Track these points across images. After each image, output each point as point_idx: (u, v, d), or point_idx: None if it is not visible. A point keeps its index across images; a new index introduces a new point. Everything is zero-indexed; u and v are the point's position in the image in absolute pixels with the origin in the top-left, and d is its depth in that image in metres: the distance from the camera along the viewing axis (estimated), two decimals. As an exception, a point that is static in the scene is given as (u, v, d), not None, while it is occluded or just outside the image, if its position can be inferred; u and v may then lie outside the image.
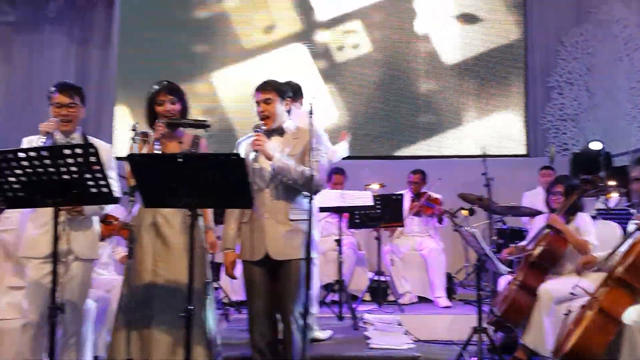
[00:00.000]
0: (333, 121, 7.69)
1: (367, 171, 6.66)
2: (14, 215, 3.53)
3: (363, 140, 7.65)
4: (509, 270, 4.15)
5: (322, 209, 4.77)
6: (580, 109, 7.76)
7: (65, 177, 2.45)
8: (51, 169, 2.43)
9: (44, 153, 2.41)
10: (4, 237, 3.61)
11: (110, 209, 3.27)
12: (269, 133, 3.15)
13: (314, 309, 3.93)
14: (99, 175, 2.47)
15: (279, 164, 3.02)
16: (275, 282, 3.10)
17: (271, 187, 3.08)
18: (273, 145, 3.10)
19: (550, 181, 4.75)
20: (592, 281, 3.42)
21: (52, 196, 2.50)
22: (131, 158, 2.60)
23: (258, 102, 3.16)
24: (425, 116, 7.84)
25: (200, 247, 3.06)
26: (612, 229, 4.40)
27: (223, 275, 4.86)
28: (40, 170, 2.43)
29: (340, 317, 4.69)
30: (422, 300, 5.57)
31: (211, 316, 3.10)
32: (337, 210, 5.01)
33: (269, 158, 3.03)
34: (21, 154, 2.41)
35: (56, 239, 2.54)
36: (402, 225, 5.57)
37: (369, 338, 4.07)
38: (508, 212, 5.67)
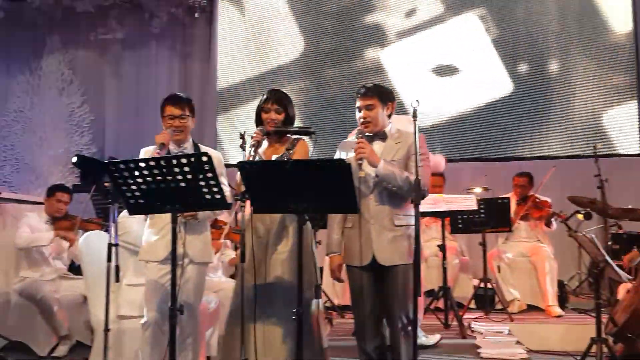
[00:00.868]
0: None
1: (468, 174, 6.48)
2: (125, 220, 3.65)
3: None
4: (630, 277, 3.88)
5: (423, 214, 4.69)
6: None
7: (182, 184, 2.55)
8: (169, 177, 2.54)
9: (163, 162, 2.53)
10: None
11: (220, 213, 3.38)
12: (371, 138, 3.13)
13: (420, 315, 3.86)
14: (212, 182, 2.55)
15: (384, 171, 2.98)
16: (381, 288, 3.07)
17: (375, 192, 3.05)
18: (375, 149, 3.07)
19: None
20: None
21: (170, 202, 2.62)
22: (241, 165, 2.67)
23: (360, 109, 3.14)
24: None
25: (309, 251, 3.09)
26: None
27: (325, 279, 4.89)
28: (159, 178, 2.55)
29: (447, 325, 4.58)
30: (531, 308, 5.34)
31: (320, 320, 3.12)
32: (438, 215, 4.90)
33: (374, 165, 3.01)
34: (141, 164, 2.55)
35: (175, 242, 2.65)
36: (509, 230, 5.39)
37: (479, 347, 3.96)
38: (625, 215, 5.31)
